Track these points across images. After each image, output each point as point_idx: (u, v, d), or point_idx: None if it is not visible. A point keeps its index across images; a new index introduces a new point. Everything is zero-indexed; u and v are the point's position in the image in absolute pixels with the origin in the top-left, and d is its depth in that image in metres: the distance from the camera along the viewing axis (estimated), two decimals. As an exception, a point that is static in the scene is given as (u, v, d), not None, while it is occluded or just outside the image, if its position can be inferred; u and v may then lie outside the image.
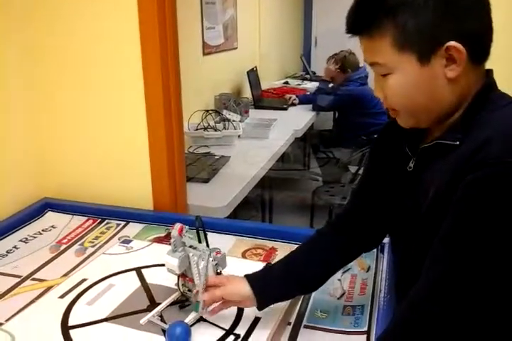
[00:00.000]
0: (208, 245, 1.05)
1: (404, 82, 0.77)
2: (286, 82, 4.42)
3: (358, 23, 0.78)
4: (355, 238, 1.02)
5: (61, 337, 0.97)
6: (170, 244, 1.03)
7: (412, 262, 0.87)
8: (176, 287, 1.06)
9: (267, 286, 0.97)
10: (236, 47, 3.62)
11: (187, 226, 1.02)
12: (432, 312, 0.73)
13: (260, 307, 0.97)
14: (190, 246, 1.01)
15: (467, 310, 0.72)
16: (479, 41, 0.76)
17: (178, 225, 1.00)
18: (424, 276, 0.76)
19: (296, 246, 1.33)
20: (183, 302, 1.05)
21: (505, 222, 0.68)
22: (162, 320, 1.01)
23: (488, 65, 0.82)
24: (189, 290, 1.03)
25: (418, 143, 0.87)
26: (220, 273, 1.06)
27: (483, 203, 0.69)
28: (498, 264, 0.70)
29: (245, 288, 0.96)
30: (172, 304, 1.05)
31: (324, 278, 1.02)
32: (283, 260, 1.03)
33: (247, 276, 0.99)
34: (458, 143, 0.77)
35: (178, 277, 1.04)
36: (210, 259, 1.00)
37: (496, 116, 0.76)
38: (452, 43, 0.73)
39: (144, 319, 1.00)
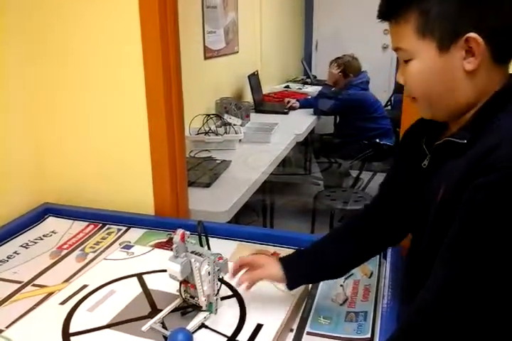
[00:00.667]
0: (209, 247, 1.05)
1: (422, 68, 0.78)
2: (287, 86, 4.42)
3: (387, 9, 0.80)
4: (381, 231, 1.03)
5: (62, 344, 0.96)
6: (171, 250, 1.02)
7: (419, 265, 0.88)
8: (178, 293, 1.06)
9: (298, 271, 1.04)
10: (237, 52, 3.62)
11: (188, 232, 1.01)
12: (438, 317, 0.73)
13: (290, 288, 1.05)
14: (193, 252, 1.01)
15: (473, 315, 0.72)
16: (503, 38, 0.75)
17: (180, 231, 1.00)
18: (431, 280, 0.76)
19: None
20: (185, 309, 1.05)
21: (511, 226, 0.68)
22: (164, 326, 1.00)
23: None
24: (191, 297, 1.03)
25: (436, 141, 0.86)
26: (221, 279, 1.05)
27: (491, 208, 0.69)
28: (504, 269, 0.69)
29: (280, 272, 1.03)
30: (174, 310, 1.05)
31: (350, 267, 1.09)
32: (312, 248, 1.07)
33: (281, 260, 1.05)
34: (465, 141, 0.77)
35: (180, 283, 1.03)
36: (207, 266, 1.00)
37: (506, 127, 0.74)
38: (472, 35, 0.73)
39: (145, 326, 0.99)
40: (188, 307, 1.04)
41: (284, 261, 1.04)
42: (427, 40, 0.76)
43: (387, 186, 1.04)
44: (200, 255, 1.00)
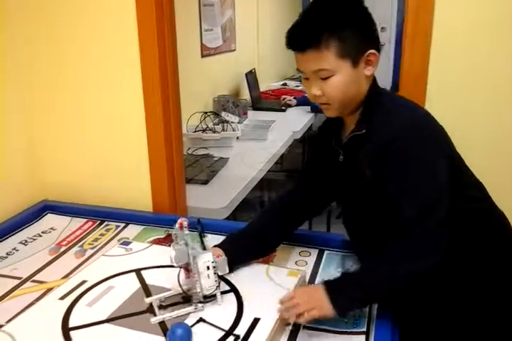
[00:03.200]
0: (204, 247, 1.06)
1: (343, 81, 1.01)
2: (285, 84, 4.42)
3: (308, 40, 0.99)
4: (297, 212, 1.26)
5: (62, 338, 0.97)
6: (169, 246, 1.04)
7: (360, 221, 1.14)
8: (176, 288, 1.07)
9: (236, 253, 1.17)
10: (234, 49, 3.63)
11: (187, 220, 1.04)
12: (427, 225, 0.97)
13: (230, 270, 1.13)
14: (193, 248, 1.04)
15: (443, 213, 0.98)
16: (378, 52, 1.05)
17: (179, 219, 1.03)
18: (401, 210, 0.99)
19: (295, 247, 1.35)
20: (184, 295, 1.07)
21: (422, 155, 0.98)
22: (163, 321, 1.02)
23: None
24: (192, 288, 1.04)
25: (341, 139, 1.13)
26: (221, 276, 1.07)
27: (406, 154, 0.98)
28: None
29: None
30: (173, 305, 1.06)
31: (276, 244, 1.29)
32: (242, 231, 1.25)
33: (219, 246, 1.19)
34: (364, 131, 1.03)
35: (179, 272, 1.05)
36: (207, 259, 1.03)
37: (384, 111, 1.03)
38: (373, 51, 1.02)
39: (149, 298, 1.05)
40: (187, 296, 1.06)
41: (225, 249, 1.16)
42: (345, 60, 0.99)
43: (307, 177, 1.26)
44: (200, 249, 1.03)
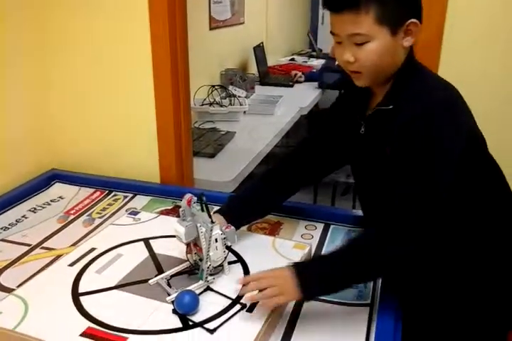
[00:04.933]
0: (211, 220, 1.05)
1: (379, 49, 0.96)
2: (293, 59, 4.38)
3: (349, 2, 0.94)
4: (294, 178, 1.27)
5: (72, 303, 0.99)
6: (177, 216, 1.04)
7: (372, 195, 1.14)
8: (184, 258, 1.08)
9: (233, 215, 1.18)
10: (243, 22, 3.57)
11: (195, 198, 1.03)
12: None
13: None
14: (200, 220, 1.03)
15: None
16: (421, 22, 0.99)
17: (187, 195, 1.02)
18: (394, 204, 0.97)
19: (301, 220, 1.35)
20: (192, 270, 1.08)
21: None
22: (169, 285, 1.03)
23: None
24: (200, 260, 1.05)
25: (365, 111, 1.09)
26: (229, 247, 1.08)
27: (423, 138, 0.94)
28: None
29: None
30: (180, 274, 1.08)
31: (271, 208, 1.33)
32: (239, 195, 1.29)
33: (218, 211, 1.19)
34: (391, 107, 1.00)
35: (187, 246, 1.06)
36: (215, 232, 1.03)
37: (415, 88, 1.00)
38: (414, 20, 0.96)
39: (153, 280, 1.04)
40: (195, 269, 1.07)
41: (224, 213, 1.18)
42: (384, 26, 0.94)
43: (315, 145, 1.25)
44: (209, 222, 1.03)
